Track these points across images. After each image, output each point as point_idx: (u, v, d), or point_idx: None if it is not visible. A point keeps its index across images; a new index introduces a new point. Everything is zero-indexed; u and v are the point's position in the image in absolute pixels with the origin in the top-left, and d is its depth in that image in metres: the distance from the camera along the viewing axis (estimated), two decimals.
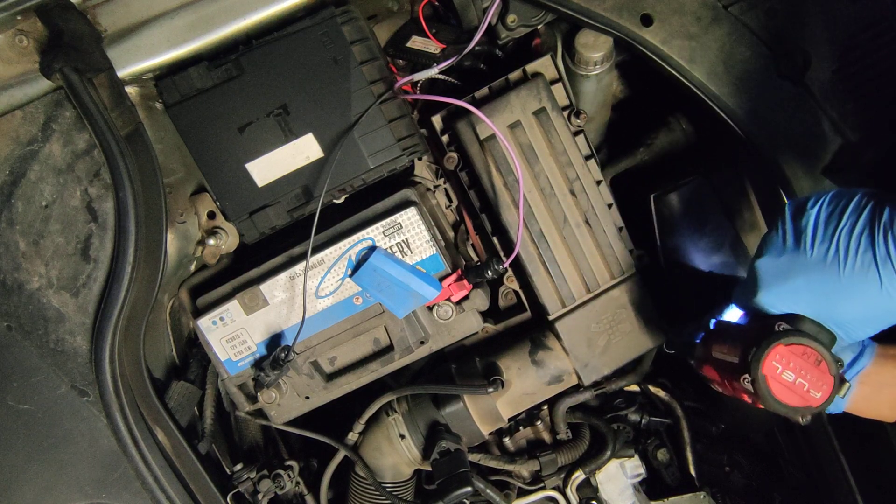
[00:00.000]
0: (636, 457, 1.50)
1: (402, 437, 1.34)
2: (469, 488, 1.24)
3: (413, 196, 1.24)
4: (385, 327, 1.29)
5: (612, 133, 1.56)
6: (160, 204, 1.21)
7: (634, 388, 1.57)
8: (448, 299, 1.27)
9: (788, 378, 0.89)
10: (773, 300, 0.95)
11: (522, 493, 1.48)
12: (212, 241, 1.30)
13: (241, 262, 1.37)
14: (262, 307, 1.26)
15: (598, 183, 1.28)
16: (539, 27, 1.29)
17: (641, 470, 1.50)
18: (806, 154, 1.18)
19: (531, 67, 1.25)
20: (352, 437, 1.38)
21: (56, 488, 1.21)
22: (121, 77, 1.13)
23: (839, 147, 1.17)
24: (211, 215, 1.32)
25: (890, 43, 1.14)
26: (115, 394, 1.16)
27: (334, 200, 1.25)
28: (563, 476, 1.46)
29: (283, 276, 1.25)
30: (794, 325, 0.92)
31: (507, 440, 1.49)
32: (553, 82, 1.25)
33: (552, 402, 1.42)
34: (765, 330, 0.92)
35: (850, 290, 0.86)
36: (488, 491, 1.32)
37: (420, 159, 1.36)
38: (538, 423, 1.48)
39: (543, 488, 1.46)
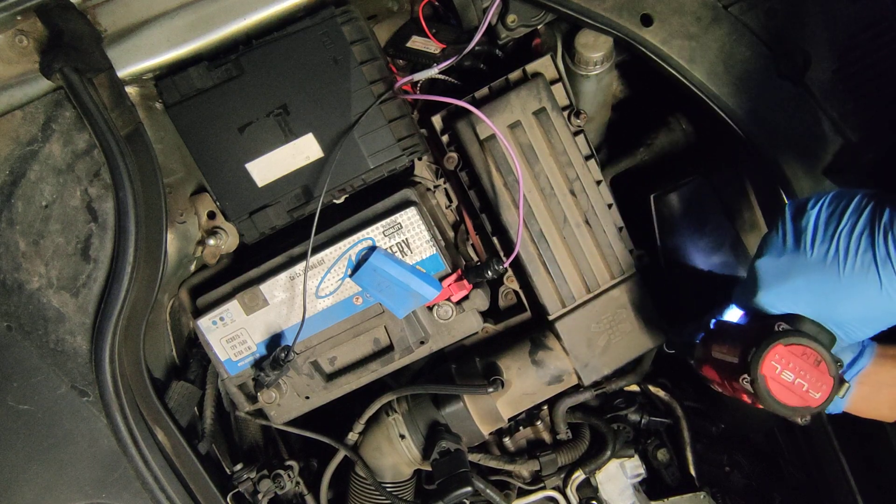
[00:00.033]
0: (636, 457, 1.50)
1: (402, 437, 1.34)
2: (469, 488, 1.24)
3: (413, 196, 1.24)
4: (385, 327, 1.29)
5: (612, 133, 1.56)
6: (160, 204, 1.21)
7: (634, 388, 1.57)
8: (448, 299, 1.27)
9: (788, 378, 0.89)
10: (772, 300, 0.95)
11: (522, 493, 1.48)
12: (212, 241, 1.30)
13: (241, 262, 1.37)
14: (262, 307, 1.26)
15: (598, 183, 1.28)
16: (539, 27, 1.29)
17: (641, 470, 1.50)
18: (806, 154, 1.18)
19: (531, 67, 1.25)
20: (352, 437, 1.39)
21: (56, 488, 1.21)
22: (121, 77, 1.13)
23: (839, 147, 1.17)
24: (211, 215, 1.32)
25: (890, 43, 1.14)
26: (115, 394, 1.16)
27: (334, 200, 1.25)
28: (563, 476, 1.46)
29: (283, 276, 1.25)
30: (793, 326, 0.92)
31: (507, 440, 1.49)
32: (553, 82, 1.25)
33: (552, 402, 1.42)
34: (764, 330, 0.92)
35: (849, 290, 0.86)
36: (488, 491, 1.32)
37: (420, 159, 1.36)
38: (538, 423, 1.48)
39: (543, 488, 1.46)
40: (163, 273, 1.23)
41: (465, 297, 1.28)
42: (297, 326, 1.23)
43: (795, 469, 1.53)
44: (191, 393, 1.33)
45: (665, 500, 1.52)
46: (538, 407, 1.47)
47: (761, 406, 0.92)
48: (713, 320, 1.14)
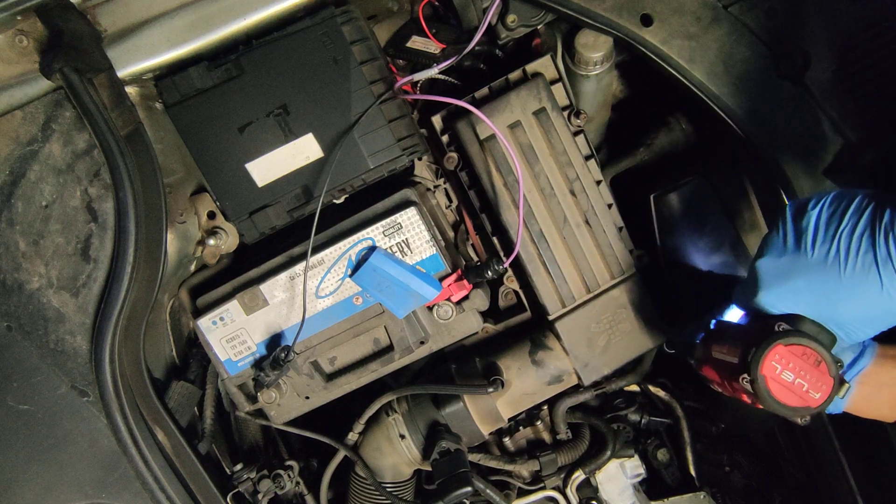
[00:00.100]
0: (636, 457, 1.50)
1: (402, 437, 1.34)
2: (469, 488, 1.24)
3: (413, 196, 1.24)
4: (385, 327, 1.29)
5: (612, 133, 1.56)
6: (160, 204, 1.21)
7: (634, 388, 1.57)
8: (448, 299, 1.27)
9: (788, 378, 0.89)
10: (773, 300, 0.95)
11: (522, 493, 1.48)
12: (212, 241, 1.30)
13: (241, 262, 1.37)
14: (262, 307, 1.26)
15: (598, 183, 1.28)
16: (539, 27, 1.29)
17: (641, 470, 1.50)
18: (806, 154, 1.18)
19: (531, 67, 1.25)
20: (352, 437, 1.39)
21: (56, 488, 1.21)
22: (121, 77, 1.13)
23: (839, 147, 1.17)
24: (211, 215, 1.32)
25: (890, 43, 1.14)
26: (115, 394, 1.16)
27: (334, 200, 1.25)
28: (563, 476, 1.46)
29: (283, 276, 1.25)
30: (794, 326, 0.92)
31: (507, 440, 1.49)
32: (553, 82, 1.25)
33: (552, 402, 1.42)
34: (764, 330, 0.92)
35: (850, 290, 0.86)
36: (488, 491, 1.32)
37: (420, 159, 1.36)
38: (538, 423, 1.48)
39: (543, 488, 1.46)
40: (163, 273, 1.23)
41: (465, 297, 1.28)
42: (297, 326, 1.23)
43: (795, 469, 1.53)
44: (191, 393, 1.33)
45: (665, 500, 1.52)
46: (538, 407, 1.47)
47: (761, 406, 0.92)
48: (713, 320, 1.14)
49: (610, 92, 1.43)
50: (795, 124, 1.17)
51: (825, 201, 0.90)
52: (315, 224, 1.16)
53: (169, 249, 1.25)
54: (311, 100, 1.17)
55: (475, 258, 1.43)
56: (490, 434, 1.41)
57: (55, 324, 1.16)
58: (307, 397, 1.33)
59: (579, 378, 1.31)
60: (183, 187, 1.30)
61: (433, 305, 1.27)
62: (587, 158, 1.27)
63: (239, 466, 1.37)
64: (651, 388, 1.55)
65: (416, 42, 1.28)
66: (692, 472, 1.55)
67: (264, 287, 1.25)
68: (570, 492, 1.46)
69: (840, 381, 0.89)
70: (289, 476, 1.38)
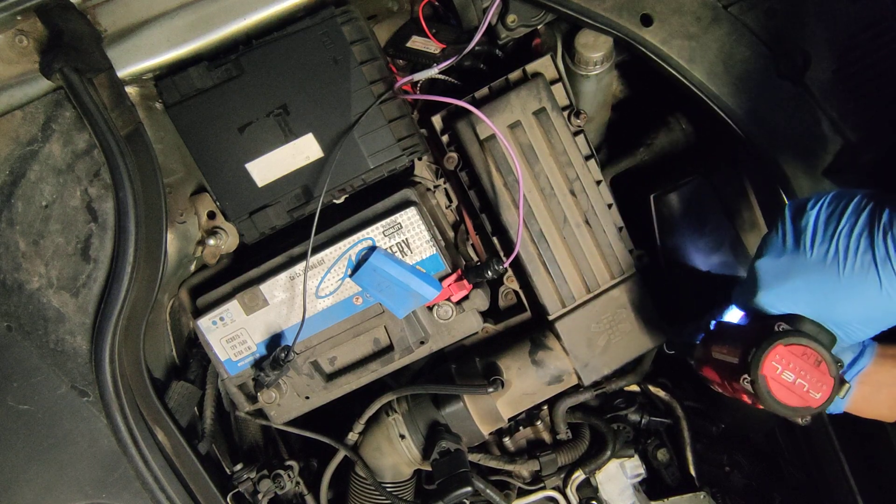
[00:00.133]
0: (636, 457, 1.50)
1: (402, 437, 1.34)
2: (469, 488, 1.24)
3: (413, 196, 1.24)
4: (385, 327, 1.29)
5: (612, 133, 1.56)
6: (160, 204, 1.21)
7: (634, 388, 1.57)
8: (448, 299, 1.27)
9: (788, 378, 0.89)
10: (772, 300, 0.95)
11: (522, 493, 1.48)
12: (212, 241, 1.30)
13: (241, 262, 1.37)
14: (262, 307, 1.26)
15: (598, 183, 1.28)
16: (539, 27, 1.29)
17: (641, 470, 1.50)
18: (806, 154, 1.18)
19: (531, 67, 1.25)
20: (352, 437, 1.39)
21: (56, 488, 1.21)
22: (121, 77, 1.13)
23: (839, 147, 1.17)
24: (211, 215, 1.32)
25: (890, 43, 1.14)
26: (115, 394, 1.16)
27: (334, 200, 1.25)
28: (563, 476, 1.46)
29: (283, 276, 1.25)
30: (793, 326, 0.92)
31: (507, 440, 1.49)
32: (553, 82, 1.25)
33: (552, 402, 1.42)
34: (764, 330, 0.92)
35: (849, 290, 0.86)
36: (488, 491, 1.32)
37: (420, 159, 1.36)
38: (538, 423, 1.48)
39: (543, 488, 1.46)
40: (163, 273, 1.23)
41: (465, 297, 1.28)
42: (297, 326, 1.23)
43: (795, 469, 1.53)
44: (191, 393, 1.33)
45: (665, 500, 1.52)
46: (538, 407, 1.47)
47: (762, 406, 0.92)
48: (713, 321, 1.14)
49: (610, 92, 1.43)
50: (795, 124, 1.18)
51: (824, 201, 0.90)
52: (315, 224, 1.16)
53: (169, 249, 1.25)
54: (311, 100, 1.17)
55: (475, 258, 1.43)
56: (490, 434, 1.41)
57: (55, 324, 1.16)
58: (307, 397, 1.33)
59: (579, 378, 1.31)
60: (183, 187, 1.30)
61: (433, 305, 1.27)
62: (587, 158, 1.27)
63: (239, 466, 1.37)
64: (651, 388, 1.55)
65: (416, 42, 1.28)
66: (692, 472, 1.55)
67: (264, 287, 1.25)
68: (570, 492, 1.46)
69: (840, 381, 0.89)
70: (289, 476, 1.38)
